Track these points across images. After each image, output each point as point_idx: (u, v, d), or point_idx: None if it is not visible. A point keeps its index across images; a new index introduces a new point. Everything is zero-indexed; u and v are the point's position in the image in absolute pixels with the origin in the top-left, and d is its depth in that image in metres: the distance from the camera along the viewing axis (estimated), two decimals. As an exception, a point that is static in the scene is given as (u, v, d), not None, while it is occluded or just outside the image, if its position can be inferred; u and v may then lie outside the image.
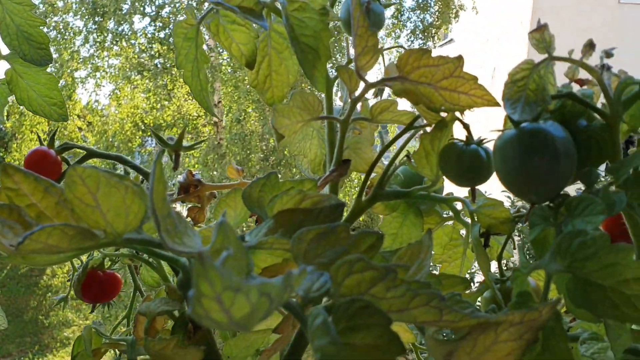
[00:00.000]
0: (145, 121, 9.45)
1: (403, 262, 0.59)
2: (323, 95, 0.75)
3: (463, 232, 0.86)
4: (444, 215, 0.84)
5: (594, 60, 0.60)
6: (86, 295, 0.73)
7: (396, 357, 0.44)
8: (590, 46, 0.56)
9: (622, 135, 0.61)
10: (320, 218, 0.56)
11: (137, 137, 9.53)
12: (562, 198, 0.55)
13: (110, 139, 9.03)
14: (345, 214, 0.75)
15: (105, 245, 0.53)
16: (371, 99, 0.76)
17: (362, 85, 0.66)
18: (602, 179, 0.61)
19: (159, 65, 8.85)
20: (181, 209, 0.85)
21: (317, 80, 0.71)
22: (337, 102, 0.77)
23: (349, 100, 0.67)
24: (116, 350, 0.76)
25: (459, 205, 0.79)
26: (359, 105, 0.74)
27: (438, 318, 0.46)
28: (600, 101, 0.59)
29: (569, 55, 0.57)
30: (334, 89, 0.75)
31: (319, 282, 0.47)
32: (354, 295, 0.46)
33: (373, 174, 0.77)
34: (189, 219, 0.77)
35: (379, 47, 0.62)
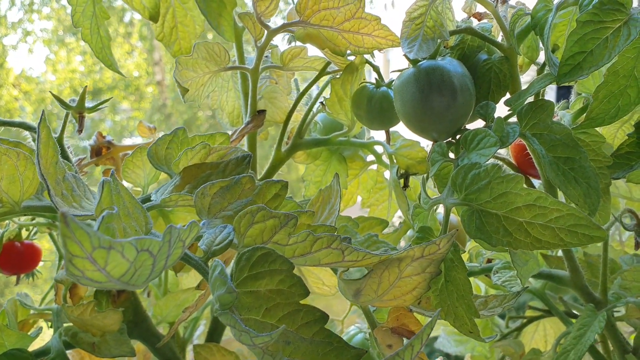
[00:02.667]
0: (84, 85, 9.12)
1: (316, 208, 0.59)
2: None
3: (388, 174, 0.87)
4: (368, 160, 0.85)
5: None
6: (5, 268, 0.72)
7: (300, 300, 0.45)
8: (483, -21, 0.56)
9: (525, 67, 0.62)
10: (227, 171, 0.56)
11: (78, 102, 9.19)
12: (463, 133, 0.56)
13: (49, 107, 8.71)
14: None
15: (4, 214, 0.51)
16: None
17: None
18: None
19: (93, 26, 8.50)
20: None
21: (225, 29, 0.70)
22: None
23: (256, 48, 0.66)
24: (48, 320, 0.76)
25: (380, 149, 0.79)
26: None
27: (340, 259, 0.47)
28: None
29: (463, -10, 0.57)
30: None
31: (221, 234, 0.47)
32: (257, 244, 0.47)
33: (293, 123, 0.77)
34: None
35: None
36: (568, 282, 0.69)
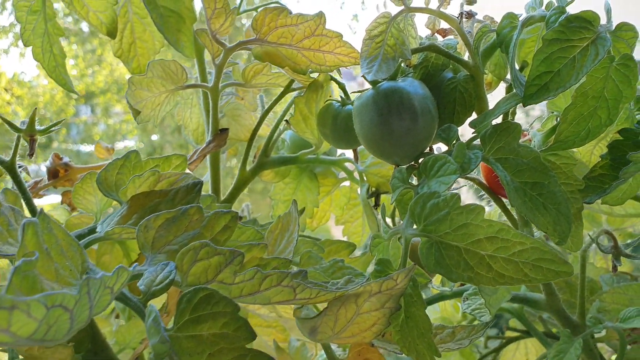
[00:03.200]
0: (77, 89, 9.08)
1: (274, 236, 0.56)
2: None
3: (362, 190, 0.84)
4: (340, 176, 0.82)
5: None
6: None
7: (246, 344, 0.42)
8: (446, -6, 0.53)
9: (494, 84, 0.59)
10: (176, 199, 0.53)
11: (70, 106, 9.16)
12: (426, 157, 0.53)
13: (42, 111, 8.64)
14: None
15: None
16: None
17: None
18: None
19: (85, 29, 8.46)
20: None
21: (184, 45, 0.67)
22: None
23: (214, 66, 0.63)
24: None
25: (351, 166, 0.77)
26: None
27: (292, 297, 0.44)
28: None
29: (426, 4, 0.54)
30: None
31: (162, 273, 0.44)
32: (202, 283, 0.44)
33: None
34: (65, 205, 0.72)
35: (233, 7, 0.58)
36: (544, 306, 0.66)
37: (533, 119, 0.66)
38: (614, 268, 0.64)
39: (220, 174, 0.71)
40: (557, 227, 0.49)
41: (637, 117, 0.54)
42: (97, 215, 0.61)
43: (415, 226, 0.46)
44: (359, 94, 0.54)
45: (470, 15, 0.56)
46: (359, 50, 0.55)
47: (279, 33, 0.57)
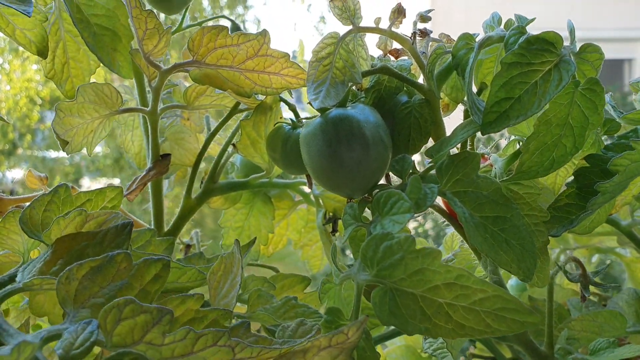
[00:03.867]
0: (41, 95, 8.86)
1: (217, 278, 0.51)
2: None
3: (320, 212, 0.79)
4: (297, 199, 0.77)
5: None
6: None
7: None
8: (398, 12, 0.49)
9: (452, 107, 0.55)
10: (105, 242, 0.48)
11: (35, 112, 8.94)
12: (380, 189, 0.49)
13: (6, 118, 8.39)
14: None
15: None
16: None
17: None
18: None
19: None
20: None
21: (121, 65, 0.62)
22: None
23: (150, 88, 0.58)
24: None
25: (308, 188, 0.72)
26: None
27: (230, 357, 0.39)
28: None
29: (376, 24, 0.50)
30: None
31: (83, 334, 0.39)
32: (129, 344, 0.39)
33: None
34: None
35: (168, 27, 0.53)
36: (510, 337, 0.63)
37: (495, 141, 0.62)
38: (583, 298, 0.60)
39: (163, 203, 0.66)
40: (522, 264, 0.46)
41: (604, 141, 0.51)
42: (25, 254, 0.56)
43: (367, 271, 0.42)
44: (307, 120, 0.49)
45: (425, 33, 0.52)
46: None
47: (219, 54, 0.52)
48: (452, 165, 0.45)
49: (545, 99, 0.42)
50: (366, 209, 0.48)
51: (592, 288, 0.91)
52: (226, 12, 9.46)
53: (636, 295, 0.67)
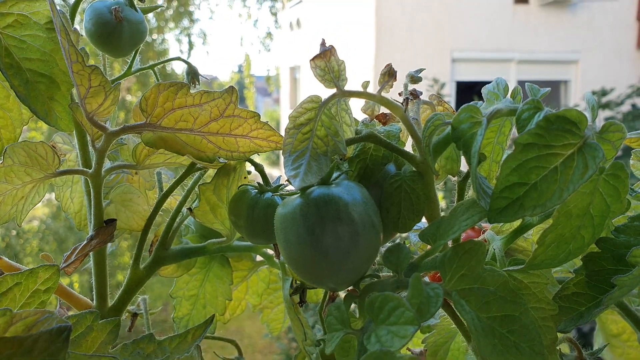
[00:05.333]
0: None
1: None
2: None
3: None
4: (258, 260, 0.69)
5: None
6: None
7: None
8: (389, 74, 0.43)
9: (442, 176, 0.49)
10: (36, 351, 0.39)
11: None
12: (370, 279, 0.42)
13: None
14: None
15: None
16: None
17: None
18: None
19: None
20: None
21: (59, 116, 0.53)
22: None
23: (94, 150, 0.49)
24: None
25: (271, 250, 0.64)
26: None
27: None
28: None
29: (364, 88, 0.43)
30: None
31: None
32: None
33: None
34: None
35: (116, 83, 0.44)
36: None
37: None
38: (578, 382, 0.55)
39: (106, 274, 0.57)
40: (531, 370, 0.39)
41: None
42: None
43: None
44: (287, 198, 0.42)
45: (416, 95, 0.45)
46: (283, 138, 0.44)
47: (177, 116, 0.44)
48: (457, 258, 0.39)
49: (568, 188, 0.36)
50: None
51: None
52: (171, 25, 9.27)
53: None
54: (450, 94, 9.17)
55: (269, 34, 9.86)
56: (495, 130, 0.44)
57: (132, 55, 0.58)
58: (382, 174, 0.45)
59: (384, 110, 0.46)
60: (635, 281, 0.41)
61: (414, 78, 0.45)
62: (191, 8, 9.54)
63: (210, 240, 0.59)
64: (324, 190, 0.40)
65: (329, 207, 0.39)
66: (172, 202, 0.64)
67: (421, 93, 0.46)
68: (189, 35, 9.56)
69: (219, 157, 0.48)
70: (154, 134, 0.45)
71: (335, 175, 0.43)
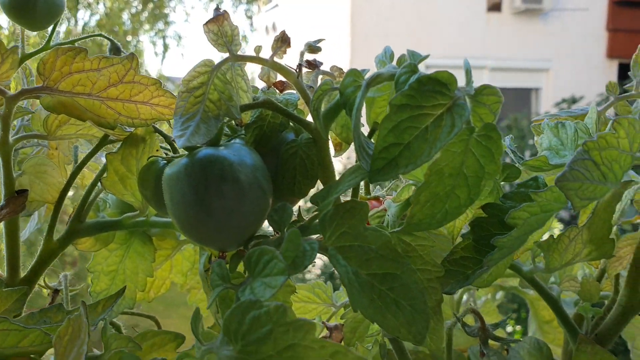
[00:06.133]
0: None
1: (63, 343, 0.43)
2: None
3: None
4: (182, 238, 0.70)
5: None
6: None
7: None
8: (282, 41, 0.44)
9: (345, 147, 0.50)
10: None
11: None
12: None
13: None
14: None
15: None
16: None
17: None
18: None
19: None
20: None
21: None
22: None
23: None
24: None
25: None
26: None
27: None
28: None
29: (257, 52, 0.44)
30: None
31: None
32: None
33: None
34: None
35: (13, 46, 0.45)
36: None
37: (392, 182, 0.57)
38: (482, 354, 0.56)
39: (19, 245, 0.57)
40: (412, 327, 0.41)
41: (503, 188, 0.47)
42: None
43: (231, 345, 0.35)
44: (174, 160, 0.43)
45: (314, 66, 0.46)
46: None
47: (75, 80, 0.45)
48: (338, 217, 0.40)
49: (436, 147, 0.37)
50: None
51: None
52: (146, 27, 9.22)
53: (538, 345, 0.64)
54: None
55: (244, 37, 9.87)
56: (387, 98, 0.46)
57: (52, 28, 0.58)
58: (279, 141, 0.46)
59: (281, 78, 0.47)
60: (515, 243, 0.43)
61: (312, 48, 0.46)
62: (166, 10, 9.51)
63: (125, 214, 0.60)
64: (211, 150, 0.41)
65: (213, 167, 0.40)
66: (91, 176, 0.64)
67: (321, 63, 0.47)
68: (163, 38, 9.53)
69: (121, 124, 0.48)
70: (53, 98, 0.46)
71: (229, 140, 0.44)
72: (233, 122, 0.46)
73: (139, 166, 0.54)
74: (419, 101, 0.38)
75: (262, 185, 0.42)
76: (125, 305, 0.64)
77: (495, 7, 10.03)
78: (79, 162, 0.57)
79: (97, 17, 8.71)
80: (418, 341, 0.41)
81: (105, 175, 0.54)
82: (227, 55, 0.43)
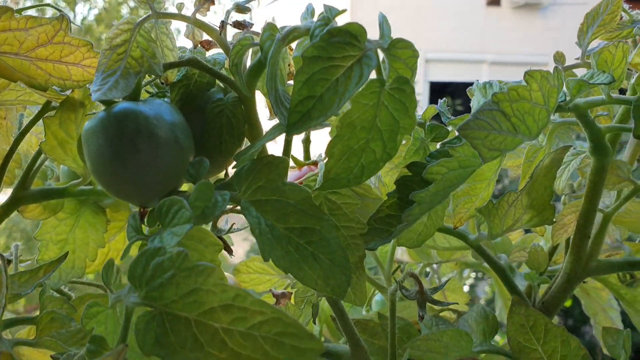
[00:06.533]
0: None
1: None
2: None
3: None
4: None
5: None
6: None
7: None
8: (204, -2, 0.44)
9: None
10: None
11: None
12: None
13: None
14: None
15: None
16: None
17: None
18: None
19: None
20: None
21: None
22: None
23: None
24: None
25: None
26: None
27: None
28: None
29: (179, 10, 0.44)
30: None
31: None
32: None
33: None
34: None
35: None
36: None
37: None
38: (420, 317, 0.57)
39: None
40: (330, 280, 0.41)
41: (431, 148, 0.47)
42: None
43: (138, 292, 0.36)
44: (93, 115, 0.43)
45: (243, 26, 0.47)
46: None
47: (1, 39, 0.45)
48: (254, 171, 0.40)
49: (345, 97, 0.37)
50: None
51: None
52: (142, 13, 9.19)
53: (484, 313, 0.64)
54: (422, 93, 9.25)
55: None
56: (313, 57, 0.46)
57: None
58: (205, 99, 0.46)
59: (207, 37, 0.48)
60: (435, 198, 0.43)
61: (240, 7, 0.47)
62: (166, 5, 9.50)
63: (71, 182, 0.60)
64: (127, 104, 0.41)
65: (128, 120, 0.40)
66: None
67: (251, 24, 0.48)
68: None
69: (53, 86, 0.48)
70: (-21, 57, 0.46)
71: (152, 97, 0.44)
72: (160, 81, 0.46)
73: (79, 131, 0.54)
74: (329, 52, 0.38)
75: (180, 141, 0.42)
76: (74, 275, 0.64)
77: (494, 2, 10.01)
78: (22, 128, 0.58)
79: (95, 11, 8.70)
80: (337, 294, 0.42)
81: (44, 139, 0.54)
82: (149, 12, 0.43)
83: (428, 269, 0.95)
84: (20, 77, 0.47)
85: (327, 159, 0.40)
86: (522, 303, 0.52)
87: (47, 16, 0.47)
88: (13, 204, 0.58)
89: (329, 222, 0.41)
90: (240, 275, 0.76)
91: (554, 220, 0.60)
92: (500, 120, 0.38)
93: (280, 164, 0.41)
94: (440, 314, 0.80)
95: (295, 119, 0.39)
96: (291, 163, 0.58)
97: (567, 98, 0.46)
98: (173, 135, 0.41)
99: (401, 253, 0.96)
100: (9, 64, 0.46)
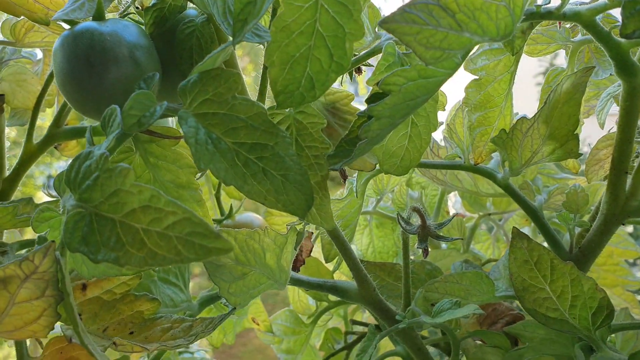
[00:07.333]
0: None
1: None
2: None
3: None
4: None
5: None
6: None
7: None
8: None
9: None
10: None
11: None
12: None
13: None
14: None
15: None
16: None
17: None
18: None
19: None
20: None
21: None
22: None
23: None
24: None
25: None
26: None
27: None
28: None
29: None
30: None
31: None
32: None
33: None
34: None
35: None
36: (355, 297, 0.57)
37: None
38: (425, 252, 0.54)
39: (3, 145, 0.63)
40: (281, 197, 0.40)
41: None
42: None
43: (74, 196, 0.37)
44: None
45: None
46: None
47: (-1, -26, 0.49)
48: (201, 83, 0.40)
49: (272, -4, 0.36)
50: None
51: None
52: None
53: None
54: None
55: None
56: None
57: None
58: (177, 21, 0.46)
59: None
60: (395, 111, 0.40)
61: None
62: None
63: (101, 121, 0.64)
64: (87, 23, 0.43)
65: (84, 37, 0.42)
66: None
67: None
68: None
69: (52, 19, 0.51)
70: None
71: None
72: (137, 6, 0.47)
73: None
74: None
75: (139, 60, 0.43)
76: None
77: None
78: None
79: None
80: (294, 212, 0.41)
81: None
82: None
83: (492, 224, 0.90)
84: (22, 11, 0.51)
85: (268, 68, 0.39)
86: (524, 236, 0.47)
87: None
88: (47, 141, 0.63)
89: (285, 138, 0.40)
90: (272, 217, 0.76)
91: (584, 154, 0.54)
92: (439, 15, 0.34)
93: (230, 77, 0.40)
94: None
95: (238, 27, 0.38)
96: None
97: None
98: (132, 55, 0.42)
99: (459, 206, 0.92)
100: (11, 0, 0.50)
